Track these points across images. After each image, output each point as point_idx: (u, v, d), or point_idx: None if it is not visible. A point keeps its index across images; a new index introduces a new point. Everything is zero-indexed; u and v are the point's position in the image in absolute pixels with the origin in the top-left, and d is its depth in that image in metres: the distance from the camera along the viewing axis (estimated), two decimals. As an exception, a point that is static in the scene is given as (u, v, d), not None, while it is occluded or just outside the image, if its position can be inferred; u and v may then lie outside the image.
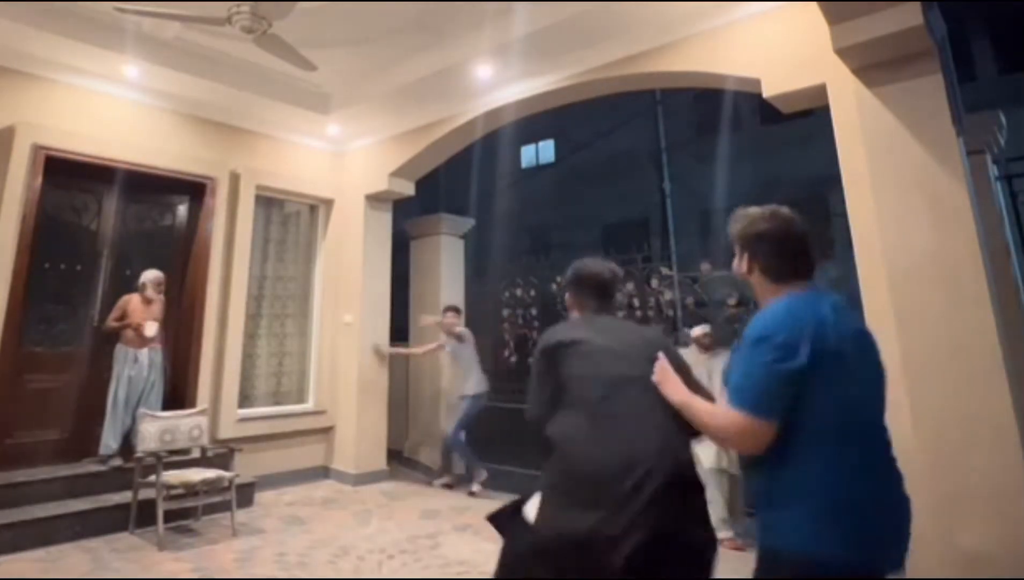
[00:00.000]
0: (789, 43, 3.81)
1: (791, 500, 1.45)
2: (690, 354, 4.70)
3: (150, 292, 4.87)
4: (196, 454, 4.68)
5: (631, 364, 1.84)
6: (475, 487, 5.55)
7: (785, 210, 1.69)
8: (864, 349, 1.54)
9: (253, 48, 4.21)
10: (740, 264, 1.73)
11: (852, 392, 1.47)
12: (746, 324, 1.60)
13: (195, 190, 5.70)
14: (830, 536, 1.39)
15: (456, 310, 6.16)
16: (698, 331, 4.75)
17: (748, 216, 1.72)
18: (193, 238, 5.69)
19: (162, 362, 4.96)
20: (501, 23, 4.45)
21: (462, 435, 5.74)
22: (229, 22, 3.75)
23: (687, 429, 1.71)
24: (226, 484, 4.35)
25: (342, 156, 6.75)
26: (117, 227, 5.35)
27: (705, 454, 4.18)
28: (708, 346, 4.63)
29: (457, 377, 6.01)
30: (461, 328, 5.99)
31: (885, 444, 1.52)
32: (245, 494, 4.94)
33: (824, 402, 1.44)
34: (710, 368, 4.49)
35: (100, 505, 4.32)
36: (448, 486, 5.83)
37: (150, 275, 4.92)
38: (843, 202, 3.54)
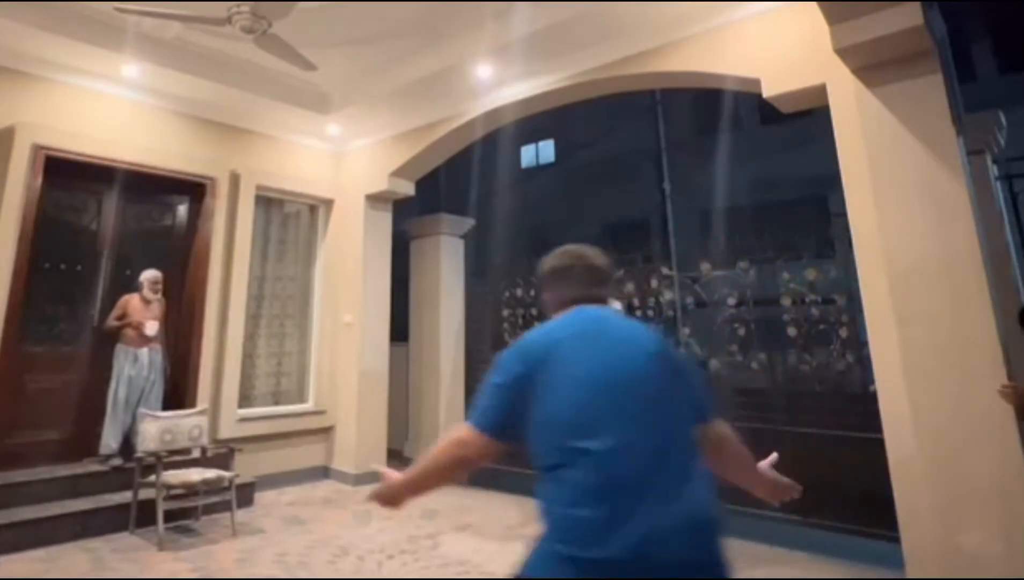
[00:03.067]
0: (789, 43, 3.81)
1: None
2: None
3: (148, 291, 4.89)
4: (196, 454, 4.68)
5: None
6: None
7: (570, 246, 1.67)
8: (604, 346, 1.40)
9: (253, 48, 4.21)
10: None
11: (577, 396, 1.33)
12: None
13: (195, 190, 5.70)
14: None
15: None
16: None
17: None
18: (193, 238, 5.69)
19: (162, 362, 4.97)
20: (501, 23, 4.45)
21: None
22: (229, 22, 3.76)
23: None
24: (226, 484, 4.35)
25: (342, 156, 6.75)
26: (117, 227, 5.35)
27: None
28: None
29: None
30: None
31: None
32: (245, 494, 4.94)
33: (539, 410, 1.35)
34: None
35: (100, 505, 4.32)
36: None
37: (148, 274, 4.94)
38: (843, 202, 3.55)
